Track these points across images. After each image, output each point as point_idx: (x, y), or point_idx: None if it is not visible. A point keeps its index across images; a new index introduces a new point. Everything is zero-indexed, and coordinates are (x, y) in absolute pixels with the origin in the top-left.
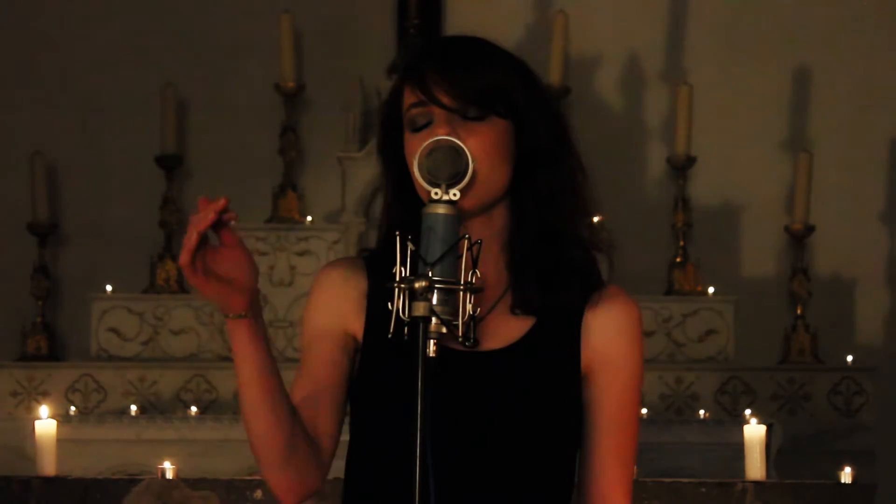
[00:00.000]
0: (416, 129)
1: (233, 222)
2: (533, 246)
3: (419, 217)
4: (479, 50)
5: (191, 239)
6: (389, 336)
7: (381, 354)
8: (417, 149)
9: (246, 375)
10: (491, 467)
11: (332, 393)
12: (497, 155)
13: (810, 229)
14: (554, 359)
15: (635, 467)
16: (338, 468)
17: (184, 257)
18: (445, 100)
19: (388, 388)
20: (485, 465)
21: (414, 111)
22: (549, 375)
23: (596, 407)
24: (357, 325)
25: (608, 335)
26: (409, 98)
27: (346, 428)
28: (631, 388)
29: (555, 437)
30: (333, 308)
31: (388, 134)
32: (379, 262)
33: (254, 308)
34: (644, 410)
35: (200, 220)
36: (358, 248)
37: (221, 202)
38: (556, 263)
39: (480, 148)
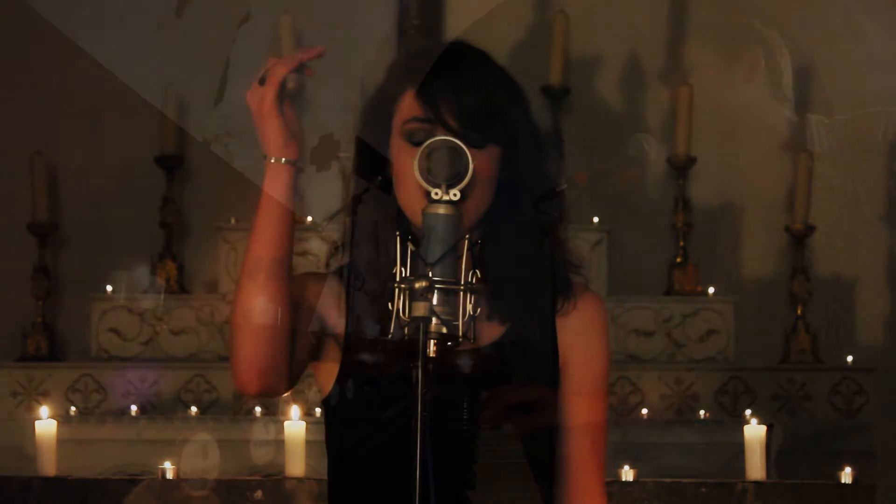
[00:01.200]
0: (416, 143)
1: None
2: (507, 260)
3: (397, 218)
4: (489, 74)
5: (294, 59)
6: (389, 336)
7: (364, 355)
8: (411, 160)
9: (272, 218)
10: (476, 462)
11: (305, 332)
12: (489, 183)
13: (810, 229)
14: (532, 356)
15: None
16: (321, 469)
17: (280, 71)
18: (454, 124)
19: (375, 388)
20: (469, 459)
21: (416, 125)
22: (528, 371)
23: (569, 401)
24: (335, 322)
25: (580, 334)
26: (413, 109)
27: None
28: (600, 381)
29: (537, 431)
30: (310, 296)
31: (374, 130)
32: (351, 269)
33: (298, 162)
34: (644, 410)
35: (309, 50)
36: (326, 260)
37: (323, 48)
38: (529, 275)
39: (478, 176)
